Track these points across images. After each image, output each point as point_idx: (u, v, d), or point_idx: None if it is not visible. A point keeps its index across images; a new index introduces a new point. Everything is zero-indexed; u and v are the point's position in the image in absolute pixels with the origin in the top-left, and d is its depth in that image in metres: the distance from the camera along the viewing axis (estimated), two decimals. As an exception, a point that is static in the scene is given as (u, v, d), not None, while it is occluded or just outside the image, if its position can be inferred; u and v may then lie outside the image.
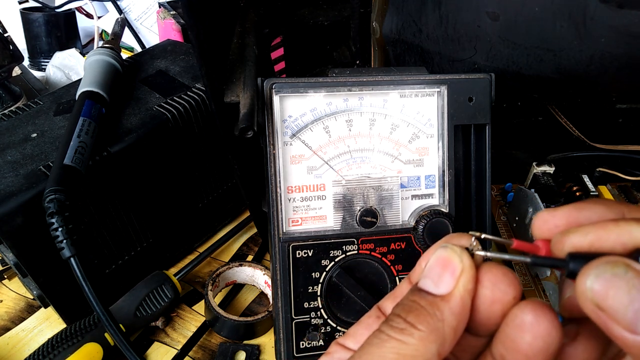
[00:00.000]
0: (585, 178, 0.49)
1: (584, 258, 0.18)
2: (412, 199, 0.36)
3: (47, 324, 0.44)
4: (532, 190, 0.44)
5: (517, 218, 0.47)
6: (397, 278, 0.36)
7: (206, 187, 0.49)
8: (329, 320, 0.36)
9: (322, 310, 0.35)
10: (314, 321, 0.36)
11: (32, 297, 0.46)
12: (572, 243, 0.18)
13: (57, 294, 0.40)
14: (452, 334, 0.19)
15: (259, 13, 0.44)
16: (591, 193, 0.48)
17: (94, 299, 0.34)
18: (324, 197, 0.35)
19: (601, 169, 0.51)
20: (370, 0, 0.48)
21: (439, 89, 0.35)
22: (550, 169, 0.48)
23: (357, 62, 0.55)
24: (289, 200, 0.34)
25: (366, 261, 0.36)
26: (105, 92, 0.42)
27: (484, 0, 0.38)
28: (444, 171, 0.36)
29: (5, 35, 0.77)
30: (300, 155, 0.34)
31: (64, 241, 0.34)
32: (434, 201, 0.36)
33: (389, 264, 0.36)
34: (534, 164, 0.48)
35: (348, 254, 0.35)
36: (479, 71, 0.39)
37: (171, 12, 0.71)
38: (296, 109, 0.34)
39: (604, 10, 0.34)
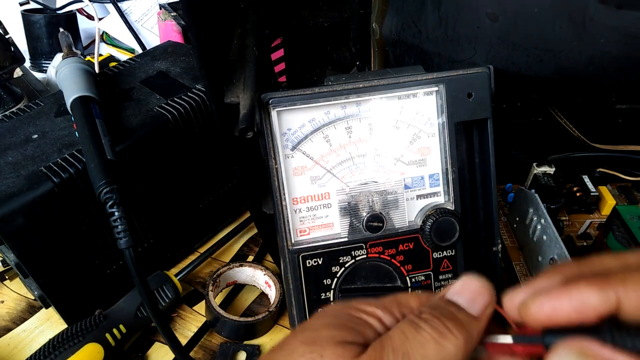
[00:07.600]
0: (586, 178, 0.49)
1: (556, 333, 0.20)
2: (417, 199, 0.36)
3: (48, 324, 0.45)
4: (533, 190, 0.44)
5: (517, 219, 0.47)
6: (407, 278, 0.36)
7: (207, 188, 0.49)
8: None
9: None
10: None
11: (33, 298, 0.46)
12: (532, 316, 0.21)
13: (58, 295, 0.40)
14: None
15: (259, 14, 0.44)
16: (591, 193, 0.48)
17: (146, 293, 0.36)
18: (329, 206, 0.35)
19: (601, 169, 0.51)
20: (370, 1, 0.48)
21: (437, 88, 0.35)
22: (550, 170, 0.48)
23: (357, 63, 0.55)
24: (295, 211, 0.34)
25: (376, 264, 0.36)
26: (96, 96, 0.42)
27: (483, 1, 0.38)
28: (447, 169, 0.36)
29: (7, 36, 0.77)
30: (303, 167, 0.34)
31: (124, 232, 0.34)
32: (440, 199, 0.36)
33: (398, 264, 0.36)
34: (534, 164, 0.48)
35: (357, 258, 0.35)
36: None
37: (172, 14, 0.71)
38: (294, 121, 0.34)
39: (603, 11, 0.34)
